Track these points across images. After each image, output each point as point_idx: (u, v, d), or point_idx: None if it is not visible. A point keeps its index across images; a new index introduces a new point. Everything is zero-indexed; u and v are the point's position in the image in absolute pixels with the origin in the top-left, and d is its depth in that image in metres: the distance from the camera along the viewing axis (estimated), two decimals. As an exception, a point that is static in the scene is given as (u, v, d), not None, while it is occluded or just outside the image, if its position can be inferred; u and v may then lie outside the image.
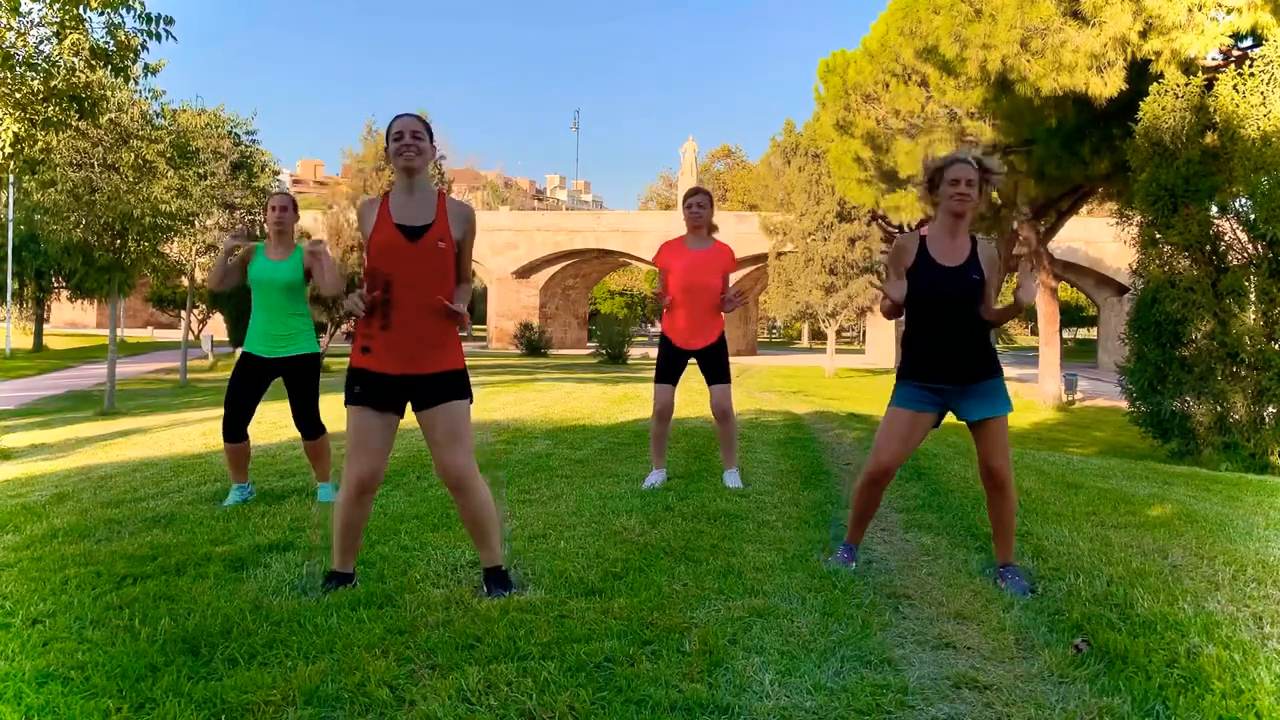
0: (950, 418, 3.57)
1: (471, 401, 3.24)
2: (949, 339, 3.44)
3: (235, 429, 4.84)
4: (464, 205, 3.25)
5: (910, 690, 2.45)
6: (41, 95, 10.16)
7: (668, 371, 5.30)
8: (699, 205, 5.20)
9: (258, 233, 23.68)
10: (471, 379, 3.33)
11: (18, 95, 10.04)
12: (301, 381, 4.90)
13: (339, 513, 3.20)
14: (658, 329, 5.76)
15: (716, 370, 5.30)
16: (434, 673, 2.49)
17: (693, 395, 10.21)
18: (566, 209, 78.66)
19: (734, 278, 5.44)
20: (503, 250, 46.19)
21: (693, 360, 5.33)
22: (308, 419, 4.92)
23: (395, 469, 5.79)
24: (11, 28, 9.76)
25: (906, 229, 23.95)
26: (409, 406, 3.20)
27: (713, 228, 5.30)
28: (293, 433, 7.59)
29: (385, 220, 3.12)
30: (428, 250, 3.11)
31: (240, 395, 4.84)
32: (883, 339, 43.23)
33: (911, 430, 3.51)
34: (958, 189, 3.37)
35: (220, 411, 5.03)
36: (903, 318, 3.63)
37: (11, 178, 20.45)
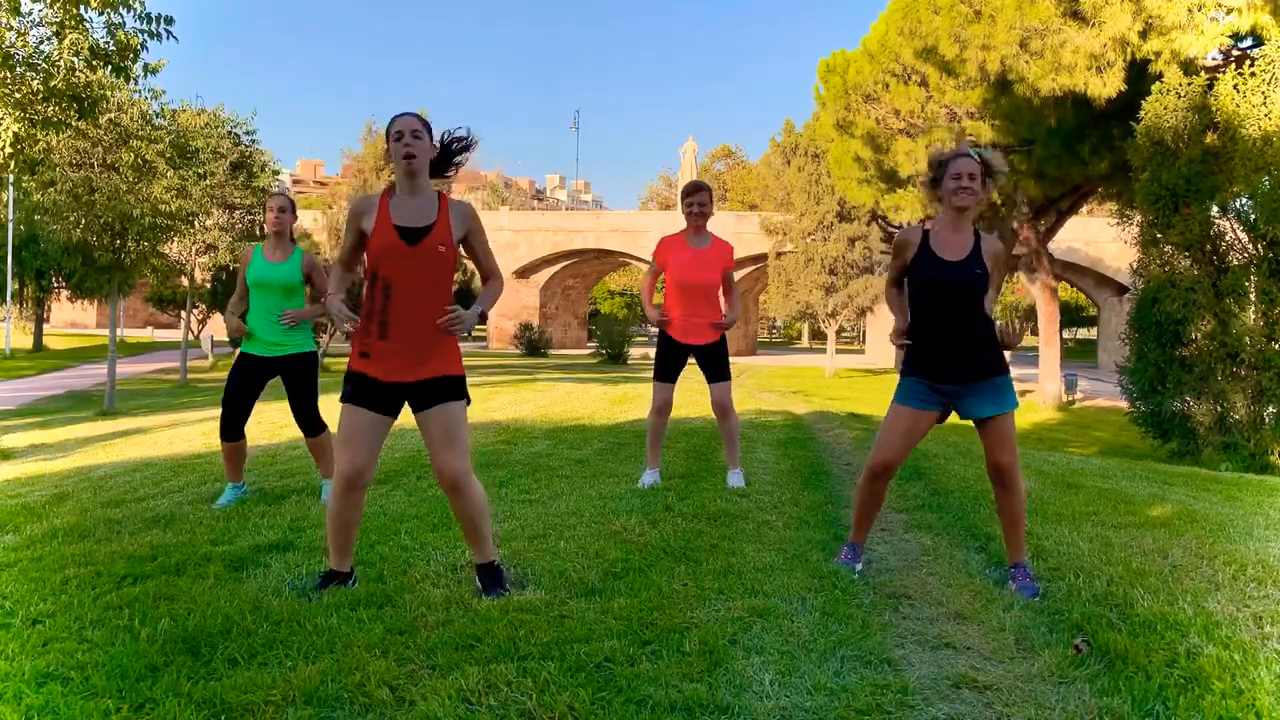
0: (954, 416, 3.56)
1: (469, 403, 3.24)
2: (951, 333, 3.41)
3: (232, 428, 4.89)
4: (463, 203, 3.24)
5: (910, 690, 2.45)
6: (41, 95, 10.16)
7: (666, 369, 5.28)
8: (700, 204, 5.17)
9: (258, 233, 23.70)
10: (471, 379, 3.33)
11: (18, 95, 10.04)
12: (300, 380, 4.95)
13: (330, 508, 3.24)
14: (657, 328, 5.79)
15: (717, 368, 5.28)
16: (434, 673, 2.49)
17: (693, 395, 10.20)
18: (566, 209, 78.48)
19: (733, 278, 5.43)
20: (503, 250, 46.14)
21: (692, 360, 5.32)
22: (308, 417, 4.96)
23: (395, 469, 5.79)
24: (11, 27, 9.76)
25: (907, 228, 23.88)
26: (406, 408, 3.21)
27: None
28: (293, 433, 7.59)
29: (385, 222, 3.10)
30: (427, 254, 3.09)
31: (237, 395, 4.90)
32: (883, 339, 43.20)
33: (913, 428, 3.49)
34: (960, 182, 3.35)
35: (219, 411, 5.06)
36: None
37: (11, 178, 20.44)
